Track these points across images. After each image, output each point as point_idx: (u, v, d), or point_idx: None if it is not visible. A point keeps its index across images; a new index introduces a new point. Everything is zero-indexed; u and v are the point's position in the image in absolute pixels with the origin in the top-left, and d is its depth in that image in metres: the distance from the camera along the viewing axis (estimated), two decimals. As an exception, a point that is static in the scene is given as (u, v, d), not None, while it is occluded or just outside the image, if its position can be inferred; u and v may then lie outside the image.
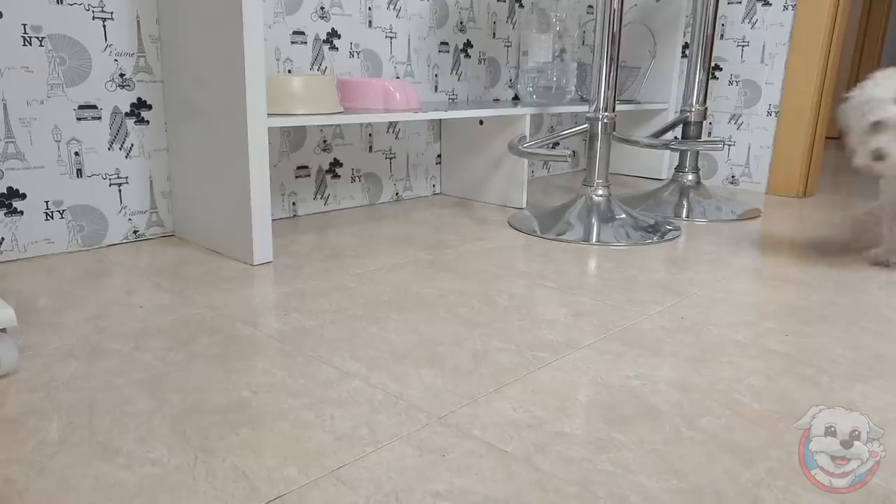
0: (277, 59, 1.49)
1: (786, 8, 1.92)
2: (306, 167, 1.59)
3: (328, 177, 1.64)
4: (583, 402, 0.73)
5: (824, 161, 1.94)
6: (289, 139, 1.54)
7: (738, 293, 1.13)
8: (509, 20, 1.99)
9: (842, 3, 1.86)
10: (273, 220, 1.54)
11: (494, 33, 1.96)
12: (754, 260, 1.33)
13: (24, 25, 1.13)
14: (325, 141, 1.61)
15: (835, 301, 1.10)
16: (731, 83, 2.06)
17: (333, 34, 1.57)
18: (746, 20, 2.00)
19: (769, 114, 2.00)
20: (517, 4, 2.00)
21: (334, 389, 0.74)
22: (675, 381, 0.78)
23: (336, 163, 1.65)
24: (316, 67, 1.56)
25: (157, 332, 0.89)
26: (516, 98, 2.08)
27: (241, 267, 1.18)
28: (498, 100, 2.01)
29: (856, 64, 3.82)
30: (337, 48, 1.59)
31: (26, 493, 0.55)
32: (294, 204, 1.59)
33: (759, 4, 1.97)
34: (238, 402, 0.70)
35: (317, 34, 1.54)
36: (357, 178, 1.70)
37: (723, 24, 2.04)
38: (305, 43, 1.53)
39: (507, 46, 2.01)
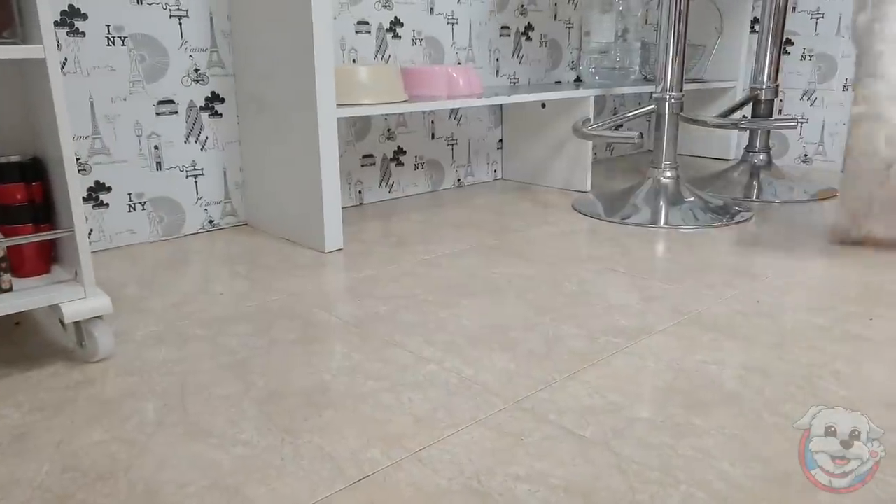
0: (343, 50, 1.51)
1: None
2: (371, 156, 1.62)
3: (392, 165, 1.66)
4: (660, 388, 0.72)
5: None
6: (354, 128, 1.57)
7: (815, 276, 1.09)
8: (571, 1, 1.96)
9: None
10: (341, 208, 1.57)
11: (556, 15, 1.93)
12: (826, 242, 1.28)
13: (108, 26, 1.18)
14: (389, 129, 1.63)
15: (923, 284, 1.05)
16: (803, 58, 1.97)
17: (396, 23, 1.58)
18: (822, -10, 1.91)
19: (845, 88, 1.91)
20: (578, -16, 1.97)
21: (411, 373, 0.76)
22: (755, 367, 0.77)
23: (400, 150, 1.67)
24: (380, 57, 1.57)
25: (238, 317, 0.93)
26: (578, 80, 2.05)
27: (313, 254, 1.21)
28: (559, 82, 1.99)
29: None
30: (400, 37, 1.60)
31: (131, 470, 0.59)
32: (360, 192, 1.62)
33: (835, -27, 1.88)
34: (320, 386, 0.73)
35: (380, 23, 1.56)
36: (420, 166, 1.72)
37: (796, -4, 1.95)
38: (370, 33, 1.54)
39: (569, 28, 1.98)
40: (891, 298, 0.99)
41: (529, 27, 1.87)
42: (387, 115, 1.61)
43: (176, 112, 1.29)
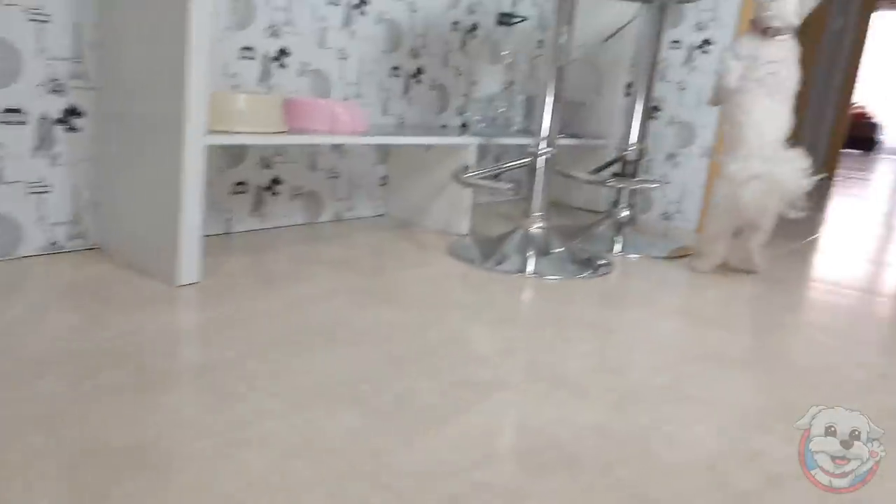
0: (224, 74, 1.46)
1: (713, 55, 1.99)
2: (244, 183, 1.56)
3: (267, 194, 1.61)
4: (503, 450, 0.73)
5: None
6: (227, 155, 1.51)
7: (662, 334, 1.16)
8: (461, 50, 2.01)
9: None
10: (205, 235, 1.50)
11: (447, 61, 1.97)
12: (680, 299, 1.37)
13: (-53, 23, 1.07)
14: (265, 158, 1.59)
15: (753, 345, 1.14)
16: (669, 123, 2.12)
17: (284, 52, 1.55)
18: (685, 65, 2.07)
19: (702, 156, 2.07)
20: (470, 35, 2.02)
21: (248, 430, 0.72)
22: (596, 427, 0.80)
23: (276, 180, 1.62)
24: (264, 84, 1.53)
25: (61, 358, 0.85)
26: (464, 126, 2.09)
27: (164, 287, 1.14)
28: (446, 126, 2.03)
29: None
30: (286, 66, 1.57)
31: None
32: (229, 220, 1.55)
33: (697, 51, 2.04)
34: (142, 443, 0.68)
35: (266, 51, 1.52)
36: (297, 197, 1.68)
37: (664, 67, 2.11)
38: (254, 59, 1.50)
39: (459, 75, 2.03)
40: (726, 360, 1.06)
41: (420, 70, 1.89)
42: (263, 146, 1.57)
43: (24, 122, 1.18)
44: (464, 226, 1.74)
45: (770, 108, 1.49)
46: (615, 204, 1.89)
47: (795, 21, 1.49)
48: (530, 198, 1.57)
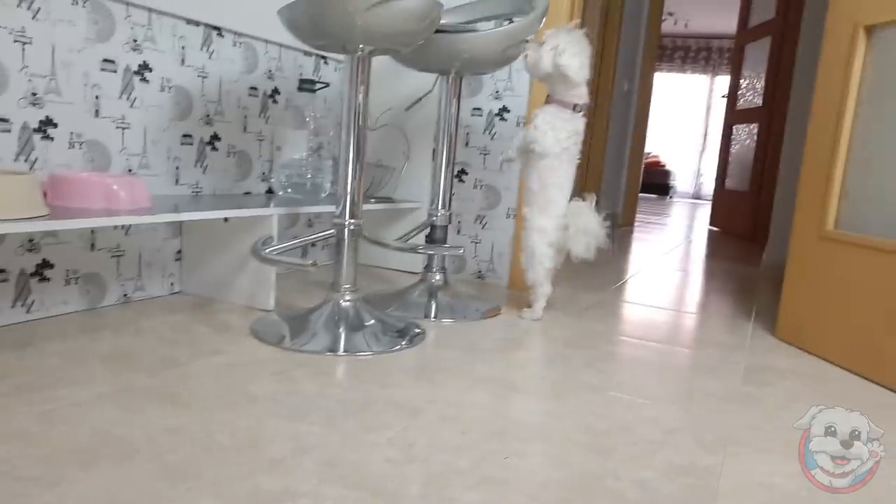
0: (-32, 147, 1.27)
1: (510, 121, 2.12)
2: (3, 271, 1.35)
3: (33, 280, 1.41)
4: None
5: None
6: (-20, 239, 1.31)
7: (469, 407, 1.15)
8: (262, 115, 1.94)
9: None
10: (-47, 335, 1.27)
11: (245, 127, 1.89)
12: (489, 365, 1.39)
13: None
14: (31, 240, 1.39)
15: (554, 412, 1.17)
16: (475, 187, 2.21)
17: (48, 122, 1.39)
18: (487, 131, 2.17)
19: (507, 216, 2.17)
20: (270, 100, 1.97)
21: None
22: (391, 535, 0.75)
23: (45, 264, 1.43)
24: (23, 159, 1.36)
25: None
26: (270, 192, 2.01)
27: None
28: (250, 193, 1.94)
29: (582, 175, 4.40)
30: (52, 138, 1.40)
31: None
32: (-14, 313, 1.34)
33: (497, 118, 2.16)
34: None
35: (25, 122, 1.35)
36: (73, 281, 1.49)
37: (467, 133, 2.20)
38: (9, 132, 1.33)
39: (260, 140, 1.95)
40: (527, 431, 1.07)
41: (216, 137, 1.80)
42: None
43: None
44: (269, 300, 1.65)
45: (568, 172, 1.73)
46: (427, 268, 1.90)
47: (588, 100, 1.76)
48: (336, 271, 1.53)
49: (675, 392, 1.34)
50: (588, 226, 1.70)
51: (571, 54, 1.64)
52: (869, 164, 1.59)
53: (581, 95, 1.71)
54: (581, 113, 1.72)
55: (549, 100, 1.74)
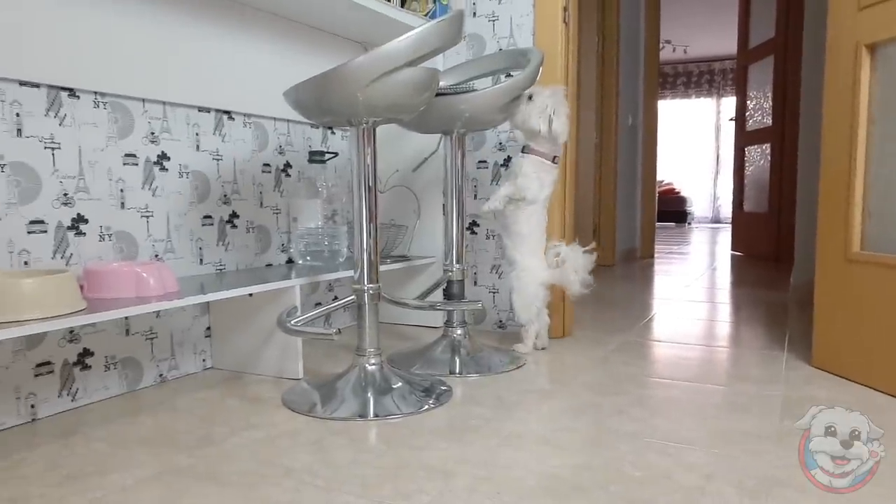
0: (11, 252, 1.35)
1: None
2: (49, 363, 1.42)
3: (76, 369, 1.48)
4: None
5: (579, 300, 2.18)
6: (24, 337, 1.38)
7: (502, 466, 1.17)
8: (276, 189, 2.03)
9: (568, 178, 2.16)
10: (1, 430, 1.33)
11: (262, 202, 1.97)
12: (518, 420, 1.41)
13: None
14: (71, 331, 1.46)
15: (588, 464, 1.18)
16: (488, 237, 2.26)
17: (80, 219, 1.47)
18: (494, 182, 2.24)
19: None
20: (283, 174, 2.05)
21: None
22: None
23: (86, 352, 1.50)
24: (59, 256, 1.44)
25: None
26: (290, 261, 2.08)
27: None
28: (271, 264, 2.01)
29: (595, 213, 4.44)
30: (84, 233, 1.48)
31: None
32: (33, 406, 1.40)
33: (502, 168, 2.22)
34: None
35: (59, 221, 1.44)
36: (112, 366, 1.56)
37: (475, 186, 2.26)
38: (46, 232, 1.41)
39: (277, 213, 2.03)
40: (563, 487, 1.09)
41: (234, 215, 1.88)
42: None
43: None
44: (298, 369, 1.70)
45: (545, 216, 1.93)
46: (448, 323, 1.94)
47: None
48: (360, 336, 1.57)
49: (711, 433, 1.31)
50: (578, 264, 1.88)
51: (562, 117, 1.82)
52: (891, 183, 1.55)
53: (560, 149, 1.91)
54: (557, 165, 1.90)
55: (528, 149, 1.88)
